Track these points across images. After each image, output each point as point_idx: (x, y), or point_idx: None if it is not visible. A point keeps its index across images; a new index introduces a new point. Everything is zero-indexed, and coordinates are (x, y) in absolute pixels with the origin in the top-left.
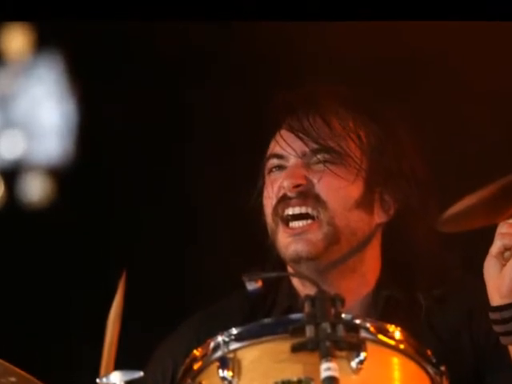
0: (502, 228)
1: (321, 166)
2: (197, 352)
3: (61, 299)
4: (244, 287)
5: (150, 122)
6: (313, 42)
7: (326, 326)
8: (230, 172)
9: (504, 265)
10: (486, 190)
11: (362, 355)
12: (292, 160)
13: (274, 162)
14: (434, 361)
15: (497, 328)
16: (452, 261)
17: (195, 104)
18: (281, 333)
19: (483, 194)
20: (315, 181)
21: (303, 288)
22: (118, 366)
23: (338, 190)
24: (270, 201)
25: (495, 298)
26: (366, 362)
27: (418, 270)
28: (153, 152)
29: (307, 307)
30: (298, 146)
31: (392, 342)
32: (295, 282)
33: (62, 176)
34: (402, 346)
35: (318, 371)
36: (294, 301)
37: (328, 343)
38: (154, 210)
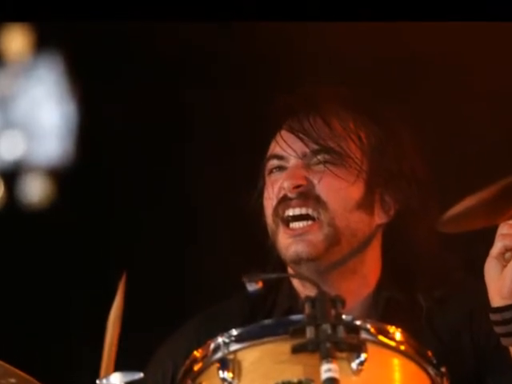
0: (503, 229)
1: (321, 166)
2: (197, 353)
3: (61, 300)
4: (244, 288)
5: (149, 122)
6: (313, 42)
7: (327, 327)
8: (230, 172)
9: (505, 266)
10: (487, 190)
11: (363, 356)
12: (292, 161)
13: (275, 162)
14: (434, 362)
15: (498, 329)
16: (453, 262)
17: (195, 104)
18: (281, 334)
19: (484, 194)
20: (315, 182)
21: (303, 289)
22: (118, 367)
23: (339, 190)
24: (270, 202)
25: (496, 299)
26: (366, 363)
27: (418, 271)
28: (153, 152)
29: (307, 308)
30: (299, 146)
31: (392, 343)
32: (295, 283)
33: (61, 177)
34: (402, 347)
35: (318, 372)
36: (294, 302)
37: (328, 344)
38: (153, 211)
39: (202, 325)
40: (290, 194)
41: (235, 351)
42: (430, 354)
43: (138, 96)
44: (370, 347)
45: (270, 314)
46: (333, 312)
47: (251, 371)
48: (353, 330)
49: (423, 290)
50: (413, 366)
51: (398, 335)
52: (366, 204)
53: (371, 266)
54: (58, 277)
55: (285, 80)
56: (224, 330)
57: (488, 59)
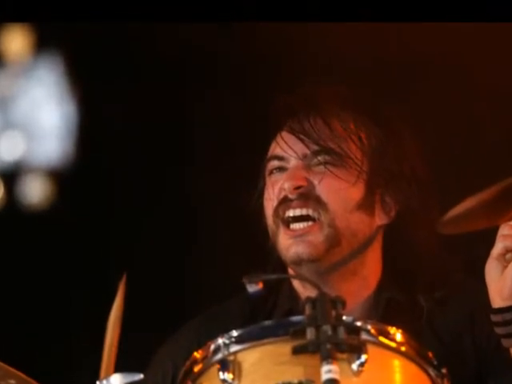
0: (504, 230)
1: (321, 167)
2: (197, 354)
3: (61, 301)
4: (244, 289)
5: (149, 122)
6: (313, 42)
7: (327, 328)
8: (230, 172)
9: (506, 267)
10: (487, 191)
11: (363, 357)
12: (293, 162)
13: (275, 163)
14: (435, 363)
15: (498, 330)
16: (453, 263)
17: (195, 104)
18: (281, 335)
19: (484, 195)
20: (316, 182)
21: (304, 290)
22: (118, 368)
23: (339, 191)
24: (270, 202)
25: (497, 300)
26: (366, 365)
27: (419, 272)
28: (153, 152)
29: (308, 309)
30: (299, 147)
31: (393, 345)
32: (296, 284)
33: (61, 177)
34: (403, 349)
35: (318, 373)
36: (294, 303)
37: (329, 345)
38: (153, 211)
39: (202, 325)
40: (290, 195)
41: (235, 352)
42: (430, 355)
43: (137, 96)
44: (371, 348)
45: (270, 315)
46: (333, 313)
47: (251, 372)
48: (353, 331)
49: (424, 291)
50: (413, 367)
51: (399, 336)
52: (366, 205)
53: (372, 267)
54: (58, 277)
55: (285, 80)
56: (224, 330)
57: (488, 59)
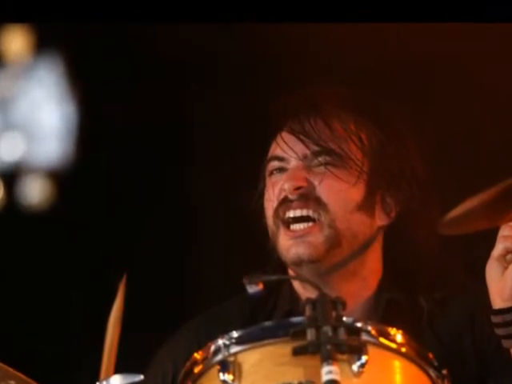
0: (504, 231)
1: (322, 168)
2: (197, 355)
3: (61, 302)
4: (245, 290)
5: (149, 123)
6: (313, 43)
7: (327, 329)
8: (230, 172)
9: (506, 268)
10: (488, 192)
11: (364, 358)
12: (293, 162)
13: (275, 164)
14: (435, 364)
15: (499, 331)
16: (453, 263)
17: (195, 104)
18: (282, 336)
19: (485, 196)
20: (316, 183)
21: (304, 291)
22: (118, 369)
23: (339, 192)
24: (270, 203)
25: (497, 301)
26: (367, 366)
27: (419, 273)
28: (153, 152)
29: (308, 310)
30: (299, 148)
31: (393, 346)
32: (296, 285)
33: (61, 178)
34: (403, 350)
35: (319, 375)
36: (294, 304)
37: (329, 346)
38: (154, 211)
39: (202, 326)
40: (290, 196)
41: (236, 353)
42: (431, 356)
43: (137, 97)
44: (371, 349)
45: (270, 316)
46: (333, 314)
47: (252, 373)
48: (354, 332)
49: (424, 291)
50: (414, 369)
51: (399, 337)
52: (366, 206)
53: (372, 267)
54: (58, 278)
55: (285, 81)
56: (224, 331)
57: (488, 60)
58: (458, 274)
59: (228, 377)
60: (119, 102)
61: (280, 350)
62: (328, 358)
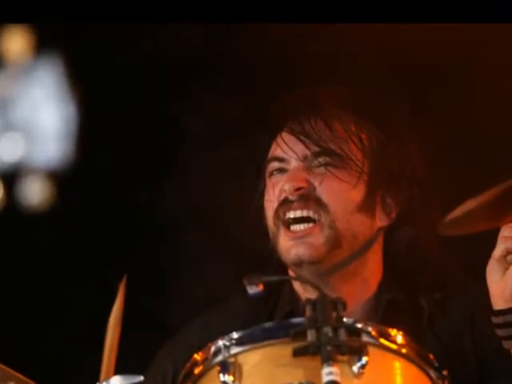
0: (505, 231)
1: (322, 169)
2: (197, 356)
3: (61, 303)
4: (245, 290)
5: (149, 123)
6: (313, 43)
7: (328, 330)
8: (230, 172)
9: (507, 268)
10: (488, 193)
11: (364, 359)
12: (293, 163)
13: (275, 164)
14: (436, 365)
15: (500, 332)
16: (454, 264)
17: (196, 104)
18: (282, 337)
19: (485, 197)
20: (316, 184)
21: (304, 292)
22: (118, 369)
23: (340, 193)
24: (271, 204)
25: (498, 302)
26: (367, 367)
27: (419, 274)
28: (153, 153)
29: (308, 311)
30: (300, 148)
31: (394, 346)
32: (296, 285)
33: (61, 178)
34: (403, 350)
35: (319, 375)
36: (295, 305)
37: (329, 347)
38: (154, 211)
39: (203, 327)
40: (290, 197)
41: (236, 354)
42: (431, 357)
43: (138, 96)
44: (372, 350)
45: (270, 317)
46: (334, 315)
47: (252, 374)
48: (354, 332)
49: (424, 292)
50: (414, 369)
51: (400, 338)
52: (367, 206)
53: (372, 268)
54: (58, 279)
55: (285, 81)
56: (224, 332)
57: (488, 60)
58: (459, 275)
59: (228, 378)
60: (119, 103)
61: (280, 350)
62: (328, 359)
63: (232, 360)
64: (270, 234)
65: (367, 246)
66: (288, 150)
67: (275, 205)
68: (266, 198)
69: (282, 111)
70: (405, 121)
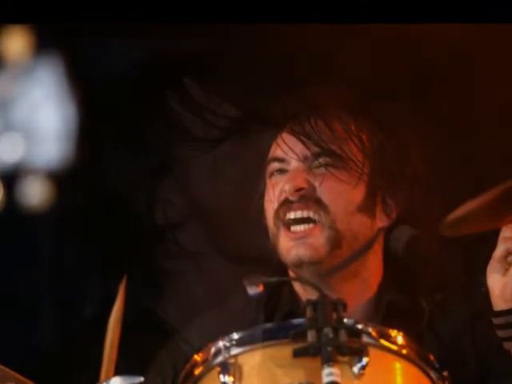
0: (506, 232)
1: (322, 169)
2: (198, 357)
3: (61, 303)
4: (245, 291)
5: (149, 123)
6: (313, 43)
7: (328, 330)
8: (230, 172)
9: (507, 269)
10: (489, 193)
11: (364, 360)
12: (293, 163)
13: (276, 165)
14: (436, 366)
15: (500, 333)
16: (454, 265)
17: (196, 104)
18: (282, 338)
19: (486, 198)
20: (317, 184)
21: (305, 292)
22: (119, 370)
23: (340, 193)
24: (271, 204)
25: (499, 303)
26: (368, 367)
27: (420, 274)
28: (153, 153)
29: (309, 312)
30: (300, 149)
31: (394, 347)
32: (296, 286)
33: (61, 179)
34: (404, 351)
35: (319, 376)
36: (295, 305)
37: (330, 348)
38: (154, 212)
39: (203, 327)
40: (291, 197)
41: (236, 355)
42: (431, 357)
43: (138, 97)
44: (372, 351)
45: (271, 318)
46: (334, 315)
47: (252, 375)
48: (354, 333)
49: (425, 293)
50: (414, 370)
51: (400, 339)
52: (367, 207)
53: (373, 269)
54: (58, 279)
55: (285, 82)
56: (224, 333)
57: (488, 60)
58: (459, 275)
59: (228, 379)
60: (119, 103)
61: (281, 351)
62: (329, 360)
63: (232, 361)
64: (270, 235)
65: (367, 246)
66: (288, 150)
67: (275, 205)
68: (266, 198)
69: (282, 111)
70: (405, 121)
